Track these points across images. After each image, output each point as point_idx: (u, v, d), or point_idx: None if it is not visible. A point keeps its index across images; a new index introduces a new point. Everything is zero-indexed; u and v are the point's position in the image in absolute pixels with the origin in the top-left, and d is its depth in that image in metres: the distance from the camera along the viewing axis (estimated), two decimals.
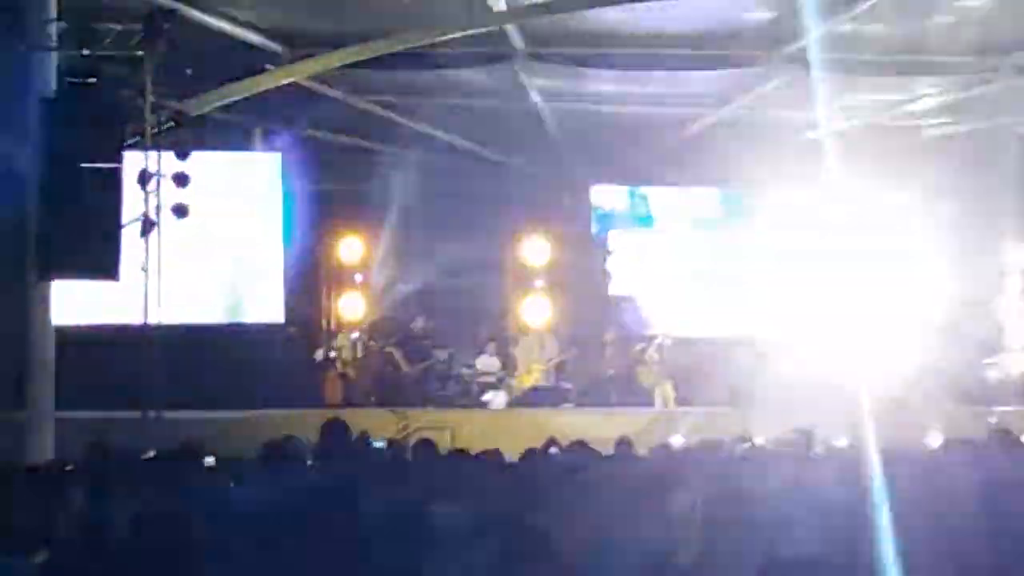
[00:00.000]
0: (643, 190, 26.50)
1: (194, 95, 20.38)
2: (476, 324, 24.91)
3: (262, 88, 20.97)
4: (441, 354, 23.54)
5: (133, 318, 19.87)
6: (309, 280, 24.72)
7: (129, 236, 17.81)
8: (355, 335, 24.05)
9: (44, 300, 16.63)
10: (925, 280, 25.15)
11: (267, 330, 23.59)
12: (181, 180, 19.83)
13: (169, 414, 19.20)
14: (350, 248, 24.64)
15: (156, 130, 19.59)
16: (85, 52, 16.62)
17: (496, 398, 23.12)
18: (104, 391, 19.37)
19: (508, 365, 24.14)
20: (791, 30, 20.46)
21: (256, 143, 24.83)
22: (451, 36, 19.83)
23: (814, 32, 20.10)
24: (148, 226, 19.46)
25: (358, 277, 24.64)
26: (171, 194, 19.80)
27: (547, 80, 22.18)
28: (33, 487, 8.82)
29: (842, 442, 15.97)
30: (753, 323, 25.71)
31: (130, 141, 18.36)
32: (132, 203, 18.40)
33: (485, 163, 25.64)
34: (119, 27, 17.39)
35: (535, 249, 24.96)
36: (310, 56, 20.67)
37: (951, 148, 24.66)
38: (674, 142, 24.62)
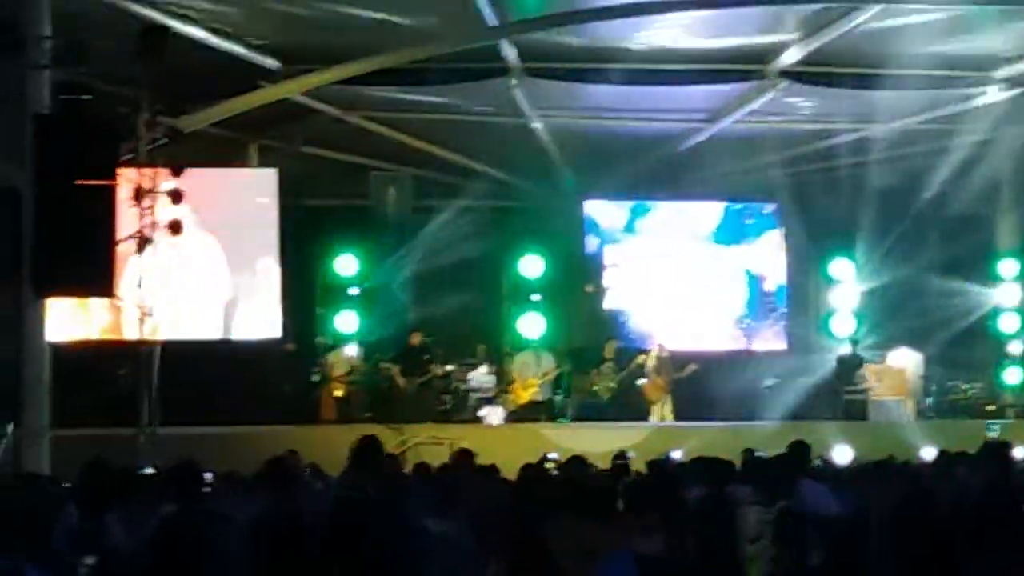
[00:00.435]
0: (642, 204, 26.50)
1: (189, 111, 20.39)
2: (472, 339, 24.88)
3: (257, 104, 20.98)
4: (437, 370, 23.49)
5: (129, 335, 19.90)
6: (305, 296, 24.68)
7: (124, 253, 17.79)
8: (351, 351, 24.02)
9: (39, 317, 16.61)
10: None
11: (263, 346, 23.53)
12: (176, 196, 19.85)
13: (165, 430, 19.18)
14: (345, 264, 24.59)
15: (150, 146, 19.61)
16: (80, 69, 16.58)
17: (492, 413, 23.08)
18: (100, 407, 19.37)
19: (504, 380, 24.12)
20: (783, 45, 20.55)
21: (251, 159, 24.82)
22: (445, 52, 19.87)
23: (805, 47, 20.24)
24: (143, 243, 19.46)
25: (353, 292, 24.57)
26: (166, 210, 19.82)
27: (540, 95, 22.17)
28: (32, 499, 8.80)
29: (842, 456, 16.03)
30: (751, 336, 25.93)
31: (124, 158, 18.35)
32: (127, 220, 18.40)
33: (479, 178, 25.63)
34: (113, 44, 17.36)
35: (530, 264, 24.93)
36: (305, 72, 20.67)
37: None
38: (668, 157, 24.63)
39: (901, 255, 25.03)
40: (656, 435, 20.67)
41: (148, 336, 19.73)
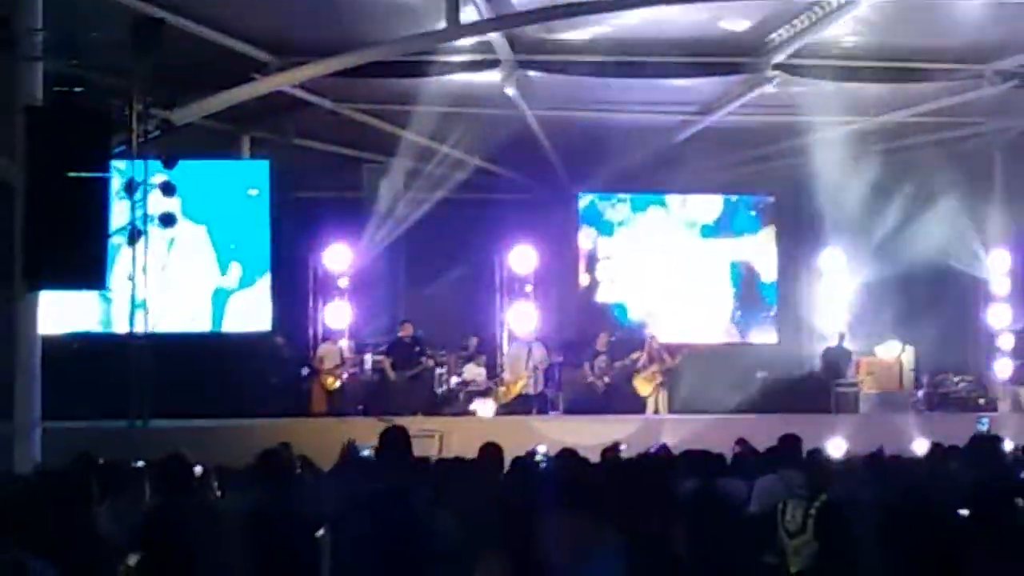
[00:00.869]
0: (634, 197, 26.53)
1: (181, 104, 20.37)
2: (464, 332, 24.88)
3: (249, 96, 20.96)
4: (428, 362, 23.50)
5: (120, 327, 19.90)
6: (296, 288, 24.67)
7: (116, 245, 17.78)
8: (342, 344, 24.02)
9: (31, 309, 16.59)
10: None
11: (254, 339, 23.54)
12: (168, 189, 19.86)
13: (156, 423, 19.19)
14: (337, 256, 24.57)
15: (143, 139, 19.60)
16: (72, 61, 16.56)
17: (484, 406, 23.10)
18: (91, 400, 19.36)
19: (496, 373, 24.14)
20: (776, 38, 20.57)
21: (244, 151, 24.82)
22: (439, 44, 19.86)
23: (799, 40, 20.25)
24: (135, 235, 19.47)
25: (345, 285, 24.56)
26: (158, 203, 19.83)
27: (533, 88, 22.18)
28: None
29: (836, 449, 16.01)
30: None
31: (117, 150, 18.34)
32: (119, 212, 18.40)
33: (472, 171, 25.63)
34: (106, 36, 17.33)
35: (522, 257, 24.94)
36: (298, 64, 20.65)
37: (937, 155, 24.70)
38: (661, 149, 24.63)
39: (892, 248, 25.05)
40: (647, 428, 20.69)
41: (139, 329, 19.75)
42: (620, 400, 23.55)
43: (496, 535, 7.09)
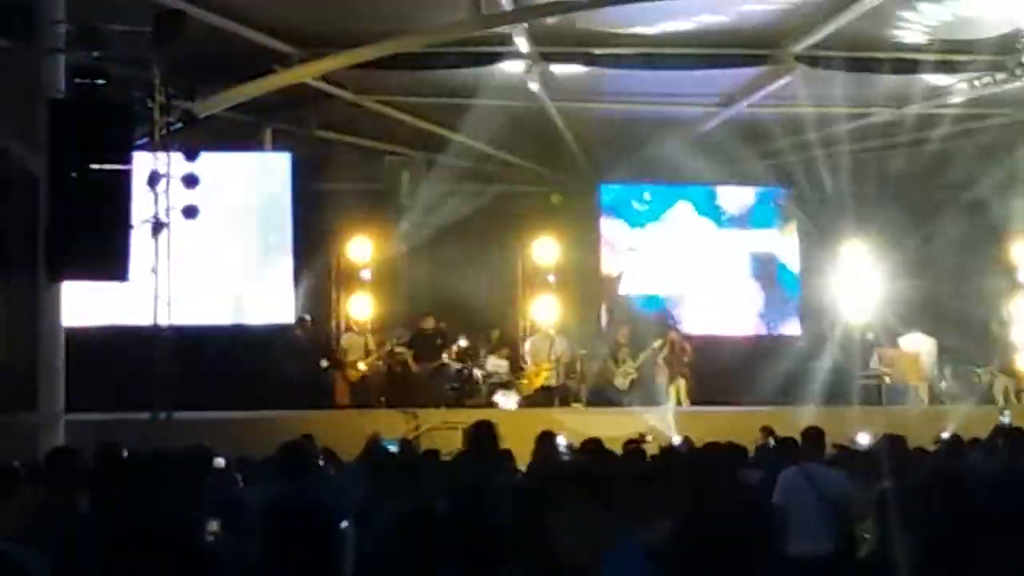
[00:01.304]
0: (655, 188, 26.49)
1: (203, 95, 20.39)
2: (486, 324, 24.87)
3: (272, 88, 20.98)
4: (451, 354, 23.51)
5: (143, 319, 19.93)
6: (318, 281, 24.69)
7: (138, 237, 17.80)
8: (364, 336, 24.00)
9: (54, 302, 16.63)
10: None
11: (276, 331, 23.57)
12: (190, 181, 19.88)
13: (179, 415, 19.23)
14: (359, 248, 24.59)
15: (165, 131, 19.62)
16: (94, 53, 16.58)
17: (507, 398, 23.09)
18: (114, 392, 19.42)
19: (517, 365, 24.12)
20: (799, 28, 20.51)
21: (266, 143, 24.84)
22: (460, 36, 19.85)
23: (822, 31, 20.20)
24: (158, 227, 19.49)
25: (367, 277, 24.57)
26: (180, 195, 19.85)
27: (555, 80, 22.16)
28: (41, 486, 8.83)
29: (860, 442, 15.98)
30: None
31: (139, 142, 18.36)
32: (142, 204, 18.43)
33: (494, 163, 25.64)
34: (128, 28, 17.35)
35: (545, 249, 24.94)
36: (320, 56, 20.66)
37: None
38: (683, 141, 24.58)
39: (915, 240, 24.97)
40: (669, 420, 20.65)
41: (162, 321, 19.79)
42: (643, 392, 23.51)
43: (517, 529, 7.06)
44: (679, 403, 23.43)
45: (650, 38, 20.71)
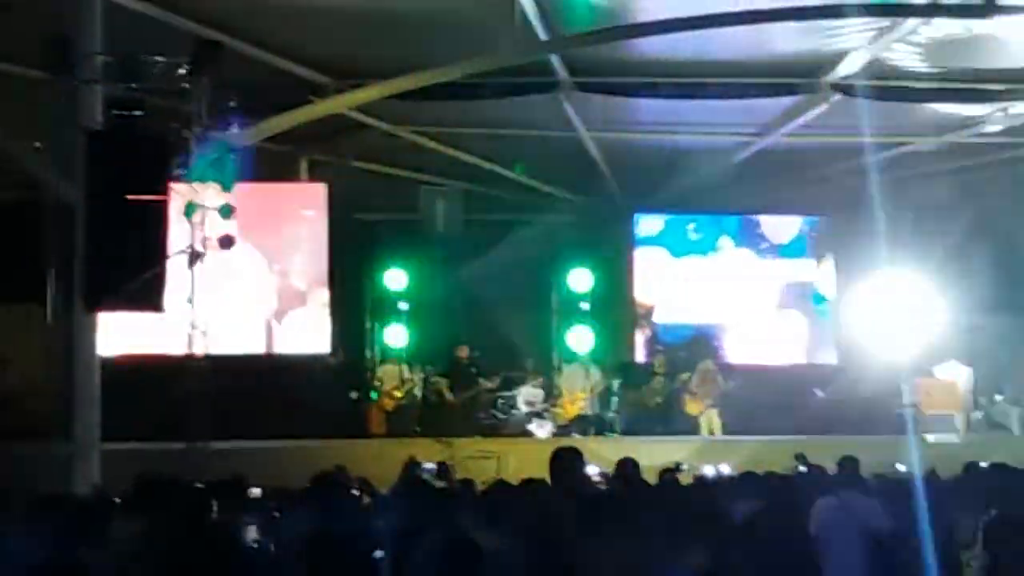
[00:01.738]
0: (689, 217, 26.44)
1: (240, 127, 20.47)
2: (520, 353, 24.87)
3: (307, 119, 21.05)
4: (485, 384, 23.53)
5: (178, 348, 19.98)
6: (354, 310, 24.74)
7: (174, 266, 17.86)
8: (399, 365, 24.01)
9: (90, 331, 16.71)
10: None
11: (312, 360, 23.61)
12: (226, 211, 19.94)
13: (215, 444, 19.26)
14: (395, 278, 24.66)
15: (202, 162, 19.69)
16: (131, 85, 16.69)
17: (541, 427, 23.08)
18: (149, 421, 19.46)
19: (552, 394, 24.10)
20: (834, 58, 20.50)
21: (302, 174, 24.92)
22: (495, 67, 19.90)
23: (857, 60, 20.18)
24: (194, 258, 19.55)
25: (403, 306, 24.63)
26: (217, 225, 19.91)
27: (590, 109, 22.18)
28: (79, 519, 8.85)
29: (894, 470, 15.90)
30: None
31: (176, 173, 18.44)
32: (178, 234, 18.49)
33: (529, 192, 25.67)
34: (165, 60, 17.46)
35: (579, 277, 24.94)
36: (355, 87, 20.74)
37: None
38: (719, 170, 24.57)
39: (952, 269, 24.86)
40: (704, 449, 20.64)
41: (197, 351, 19.83)
42: (677, 422, 23.46)
43: (550, 558, 7.05)
44: (711, 433, 23.33)
45: (685, 67, 20.70)
